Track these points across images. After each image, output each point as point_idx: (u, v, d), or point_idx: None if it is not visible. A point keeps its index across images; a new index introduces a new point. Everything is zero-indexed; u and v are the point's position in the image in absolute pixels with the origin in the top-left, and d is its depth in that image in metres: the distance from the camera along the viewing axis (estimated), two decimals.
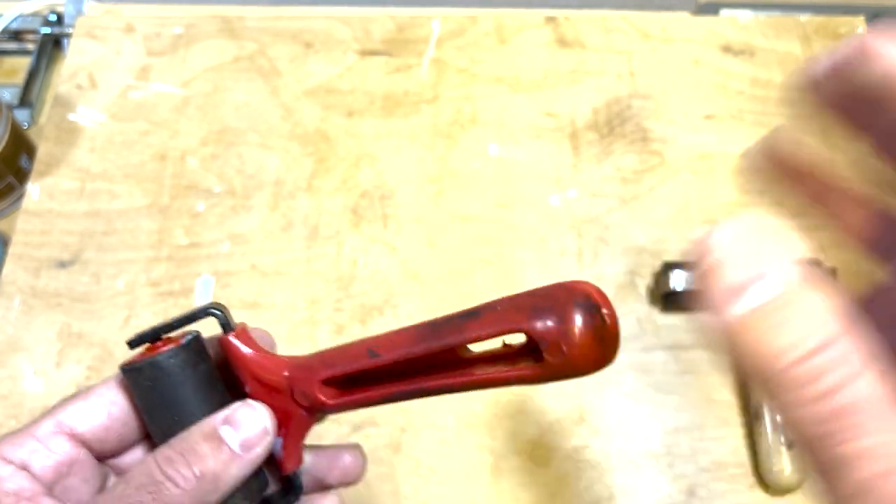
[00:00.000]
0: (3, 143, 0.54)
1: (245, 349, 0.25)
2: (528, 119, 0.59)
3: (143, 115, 0.58)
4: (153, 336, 0.25)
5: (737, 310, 0.14)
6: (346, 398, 0.25)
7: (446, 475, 0.46)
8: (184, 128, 0.58)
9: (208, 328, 0.27)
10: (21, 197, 0.56)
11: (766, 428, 0.45)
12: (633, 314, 0.51)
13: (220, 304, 0.26)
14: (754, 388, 0.47)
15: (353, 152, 0.57)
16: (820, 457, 0.13)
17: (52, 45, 0.65)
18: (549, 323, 0.19)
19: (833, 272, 0.50)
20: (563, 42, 0.63)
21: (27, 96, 0.63)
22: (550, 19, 0.64)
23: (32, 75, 0.63)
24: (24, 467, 0.22)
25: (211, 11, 0.66)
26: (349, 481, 0.28)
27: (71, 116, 0.58)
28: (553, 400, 0.48)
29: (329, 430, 0.47)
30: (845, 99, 0.16)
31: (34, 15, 0.66)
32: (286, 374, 0.25)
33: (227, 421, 0.22)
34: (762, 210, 0.16)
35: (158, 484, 0.20)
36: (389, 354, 0.23)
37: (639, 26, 0.63)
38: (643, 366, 0.50)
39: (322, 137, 0.58)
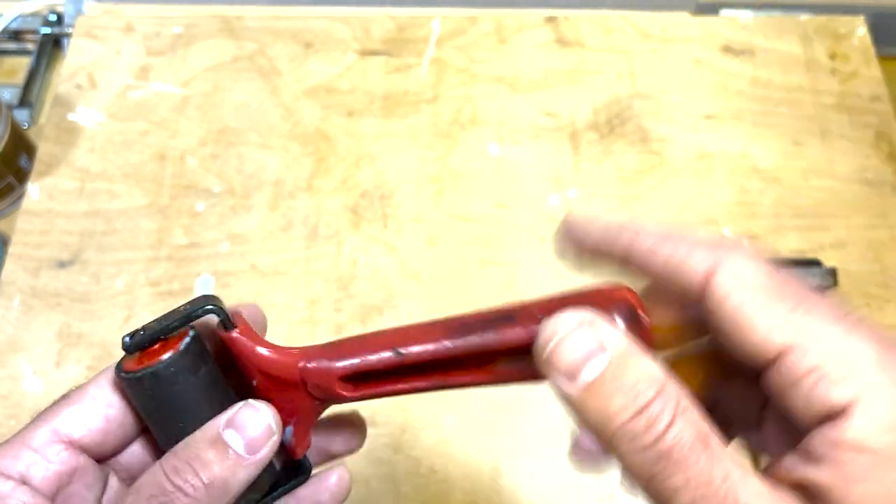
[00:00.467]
0: (3, 143, 0.54)
1: (253, 346, 0.24)
2: (528, 119, 0.59)
3: (142, 115, 0.58)
4: (150, 341, 0.23)
5: (576, 385, 0.18)
6: (365, 391, 0.24)
7: (446, 475, 0.46)
8: (183, 128, 0.58)
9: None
10: (21, 197, 0.56)
11: None
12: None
13: (215, 299, 0.24)
14: None
15: (352, 152, 0.57)
16: (653, 493, 0.17)
17: (51, 45, 0.65)
18: None
19: (833, 272, 0.50)
20: (563, 42, 0.63)
21: (27, 96, 0.63)
22: (550, 19, 0.64)
23: (32, 75, 0.63)
24: (24, 481, 0.21)
25: (211, 11, 0.66)
26: (352, 449, 0.27)
27: (71, 116, 0.58)
28: (553, 399, 0.48)
29: None
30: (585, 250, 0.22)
31: (34, 15, 0.66)
32: (299, 366, 0.24)
33: (230, 424, 0.21)
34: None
35: (169, 494, 0.20)
36: (415, 355, 0.23)
37: (639, 26, 0.64)
38: None
39: (322, 137, 0.58)
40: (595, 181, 0.56)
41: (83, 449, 0.22)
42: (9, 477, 0.21)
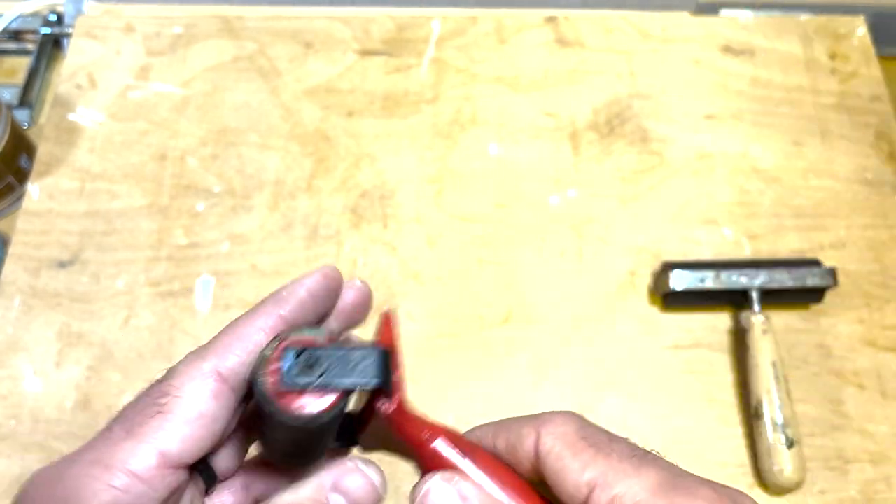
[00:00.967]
0: (3, 143, 0.54)
1: (406, 421, 0.24)
2: (528, 119, 0.59)
3: (142, 115, 0.58)
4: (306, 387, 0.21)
5: None
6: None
7: None
8: (183, 128, 0.58)
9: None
10: (21, 197, 0.56)
11: (765, 427, 0.45)
12: (633, 313, 0.52)
13: (386, 371, 0.22)
14: (754, 388, 0.47)
15: (353, 152, 0.57)
16: None
17: (51, 45, 0.65)
18: None
19: (832, 272, 0.50)
20: (563, 42, 0.63)
21: (27, 96, 0.63)
22: (550, 19, 0.64)
23: (32, 75, 0.63)
24: None
25: (211, 11, 0.66)
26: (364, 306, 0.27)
27: (71, 116, 0.58)
28: (553, 400, 0.48)
29: None
30: None
31: (34, 15, 0.66)
32: (426, 438, 0.24)
33: (335, 488, 0.22)
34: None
35: None
36: None
37: (639, 26, 0.64)
38: (643, 365, 0.50)
39: (322, 137, 0.58)
40: (595, 181, 0.56)
41: (187, 467, 0.21)
42: None
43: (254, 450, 0.26)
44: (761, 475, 0.46)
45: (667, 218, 0.55)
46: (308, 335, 0.22)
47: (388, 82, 0.60)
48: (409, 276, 0.52)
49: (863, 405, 0.49)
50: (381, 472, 0.23)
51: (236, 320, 0.24)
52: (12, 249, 0.53)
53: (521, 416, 0.23)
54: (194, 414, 0.21)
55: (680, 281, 0.49)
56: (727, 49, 0.63)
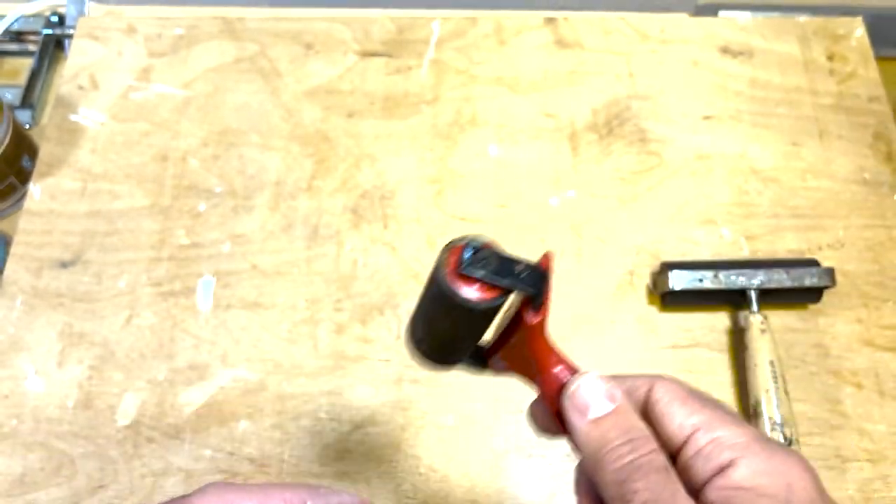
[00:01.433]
0: (5, 144, 0.54)
1: (543, 339, 0.28)
2: (527, 120, 0.59)
3: (144, 116, 0.58)
4: (483, 280, 0.26)
5: (586, 419, 0.25)
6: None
7: (446, 474, 0.46)
8: (185, 128, 0.58)
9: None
10: (23, 197, 0.56)
11: (764, 426, 0.46)
12: (632, 313, 0.52)
13: (543, 279, 0.27)
14: (752, 387, 0.47)
15: (353, 153, 0.57)
16: (617, 494, 0.23)
17: (53, 46, 0.66)
18: None
19: (830, 272, 0.50)
20: (562, 43, 0.63)
21: (29, 97, 0.63)
22: (550, 20, 0.64)
23: (34, 76, 0.64)
24: None
25: (212, 12, 0.66)
26: None
27: (72, 117, 0.58)
28: None
29: (329, 429, 0.47)
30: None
31: (36, 16, 0.67)
32: (555, 373, 0.28)
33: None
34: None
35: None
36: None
37: (638, 27, 0.64)
38: (642, 365, 0.50)
39: (322, 138, 0.58)
40: (594, 182, 0.57)
41: None
42: None
43: None
44: None
45: (665, 218, 0.55)
46: (486, 240, 0.26)
47: (389, 83, 0.60)
48: (409, 276, 0.53)
49: (860, 404, 0.49)
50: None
51: (270, 484, 0.29)
52: (14, 249, 0.53)
53: (639, 375, 0.27)
54: None
55: (678, 281, 0.50)
56: (726, 50, 0.63)
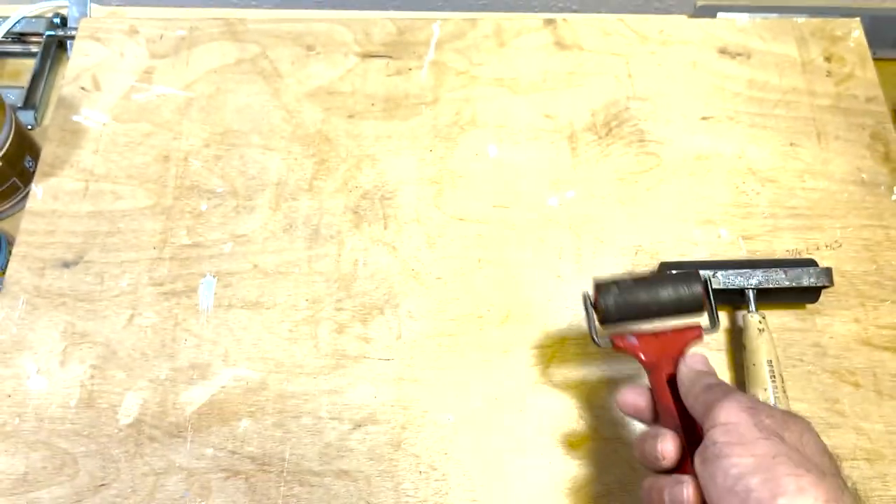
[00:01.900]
0: (8, 145, 0.55)
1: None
2: (526, 121, 0.59)
3: (146, 117, 0.59)
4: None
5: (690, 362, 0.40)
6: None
7: (446, 473, 0.47)
8: (186, 129, 0.58)
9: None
10: (25, 197, 0.57)
11: None
12: None
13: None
14: (750, 386, 0.48)
15: (353, 153, 0.58)
16: (699, 405, 0.37)
17: (56, 47, 0.66)
18: None
19: (828, 272, 0.51)
20: (561, 45, 0.63)
21: (31, 98, 0.63)
22: (549, 22, 0.64)
23: (36, 77, 0.64)
24: None
25: (213, 14, 0.67)
26: None
27: (75, 118, 0.59)
28: (552, 399, 0.49)
29: (330, 428, 0.47)
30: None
31: (38, 17, 0.67)
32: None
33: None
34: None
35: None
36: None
37: (637, 29, 0.64)
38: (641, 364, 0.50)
39: (323, 139, 0.58)
40: (593, 182, 0.57)
41: None
42: None
43: None
44: None
45: (664, 218, 0.56)
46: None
47: (389, 84, 0.61)
48: (409, 276, 0.53)
49: (858, 403, 0.49)
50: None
51: None
52: (16, 250, 0.53)
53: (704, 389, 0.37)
54: None
55: None
56: (724, 51, 0.63)
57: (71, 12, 0.66)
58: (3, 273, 0.54)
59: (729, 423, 0.33)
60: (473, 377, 0.50)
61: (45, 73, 0.65)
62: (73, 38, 0.64)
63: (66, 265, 0.53)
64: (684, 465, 0.36)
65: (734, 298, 0.51)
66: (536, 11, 0.71)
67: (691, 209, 0.56)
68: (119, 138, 0.58)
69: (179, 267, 0.53)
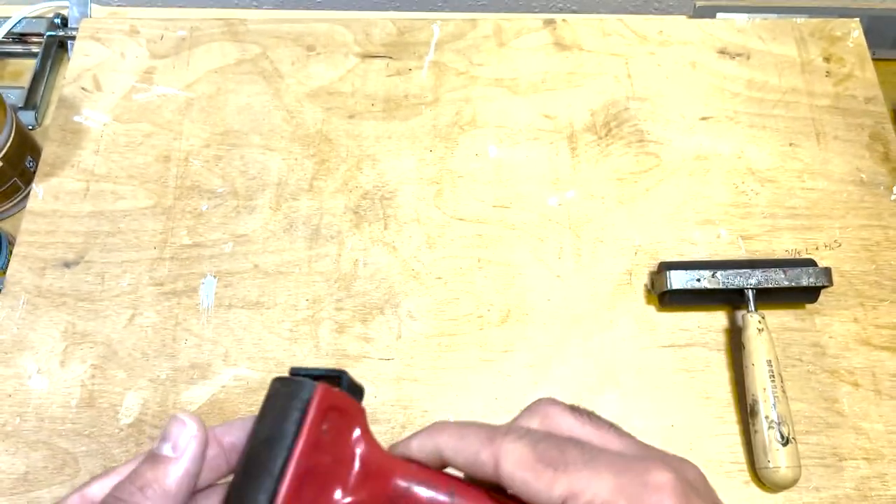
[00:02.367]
0: (9, 145, 0.55)
1: (371, 442, 0.26)
2: (526, 121, 0.60)
3: (146, 117, 0.59)
4: (313, 374, 0.26)
5: None
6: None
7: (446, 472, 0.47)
8: (187, 129, 0.59)
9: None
10: (26, 197, 0.57)
11: (761, 425, 0.46)
12: (630, 313, 0.52)
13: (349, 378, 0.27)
14: (750, 386, 0.48)
15: (354, 154, 0.58)
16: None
17: (56, 48, 0.66)
18: None
19: (827, 272, 0.51)
20: (561, 45, 0.63)
21: (32, 98, 0.63)
22: (549, 22, 0.65)
23: (37, 77, 0.64)
24: None
25: (214, 14, 0.67)
26: None
27: (75, 118, 0.59)
28: None
29: None
30: None
31: (39, 18, 0.67)
32: (395, 483, 0.26)
33: (162, 438, 0.26)
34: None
35: None
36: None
37: (636, 29, 0.64)
38: (640, 364, 0.50)
39: (323, 139, 0.58)
40: (593, 182, 0.57)
41: None
42: None
43: None
44: (757, 472, 0.46)
45: (663, 218, 0.56)
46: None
47: (389, 85, 0.61)
48: (409, 276, 0.53)
49: (857, 403, 0.49)
50: (201, 424, 0.26)
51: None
52: (17, 249, 0.53)
53: (475, 432, 0.26)
54: (116, 473, 0.26)
55: (676, 281, 0.50)
56: (723, 52, 0.63)
57: (72, 13, 0.66)
58: (4, 273, 0.54)
59: None
60: (473, 377, 0.50)
61: (46, 74, 0.65)
62: (73, 38, 0.64)
63: (67, 265, 0.53)
64: None
65: (733, 298, 0.51)
66: (536, 12, 0.71)
67: (691, 209, 0.56)
68: (120, 138, 0.58)
69: (180, 267, 0.53)
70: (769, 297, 0.51)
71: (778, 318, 0.52)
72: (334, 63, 0.62)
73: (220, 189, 0.56)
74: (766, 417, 0.46)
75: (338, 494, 0.25)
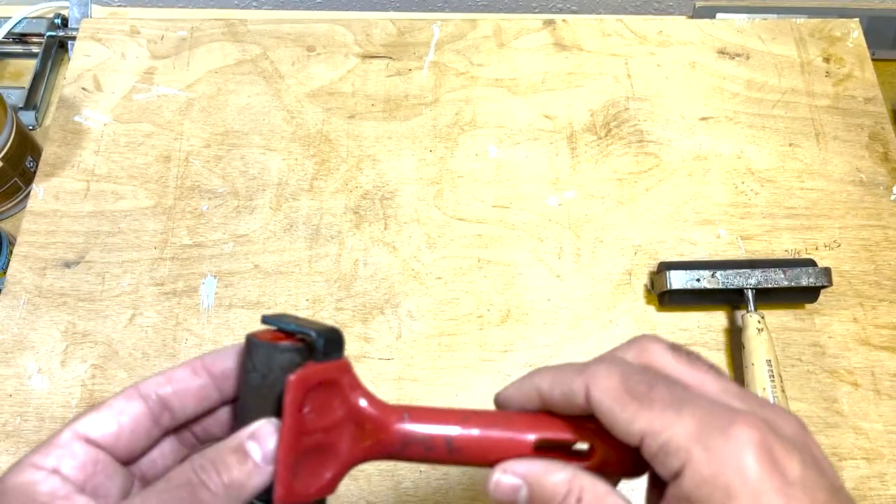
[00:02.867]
0: (9, 145, 0.55)
1: (358, 388, 0.26)
2: (526, 121, 0.60)
3: (147, 117, 0.59)
4: (285, 329, 0.26)
5: None
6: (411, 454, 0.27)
7: (446, 471, 0.47)
8: (187, 130, 0.59)
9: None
10: (26, 198, 0.57)
11: None
12: (630, 313, 0.52)
13: (340, 340, 0.26)
14: (749, 386, 0.48)
15: (354, 154, 0.58)
16: None
17: (57, 48, 0.66)
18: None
19: (827, 272, 0.51)
20: (561, 45, 0.64)
21: (32, 98, 0.63)
22: (548, 23, 0.65)
23: (38, 78, 0.64)
24: (54, 472, 0.24)
25: (214, 15, 0.67)
26: None
27: (76, 118, 0.59)
28: None
29: None
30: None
31: (39, 18, 0.67)
32: (395, 427, 0.26)
33: (252, 437, 0.24)
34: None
35: (195, 486, 0.23)
36: (466, 456, 0.26)
37: (636, 30, 0.64)
38: None
39: (324, 139, 0.59)
40: (592, 182, 0.57)
41: (100, 446, 0.25)
42: (41, 468, 0.24)
43: None
44: None
45: (663, 219, 0.56)
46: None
47: (389, 85, 0.61)
48: (409, 276, 0.53)
49: (857, 403, 0.50)
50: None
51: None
52: (18, 249, 0.53)
53: (571, 366, 0.26)
54: (107, 407, 0.26)
55: (676, 281, 0.50)
56: (723, 52, 0.63)
57: (72, 13, 0.67)
58: (5, 273, 0.54)
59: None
60: (473, 377, 0.50)
61: (46, 74, 0.65)
62: (74, 38, 0.64)
63: (68, 265, 0.53)
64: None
65: (733, 298, 0.51)
66: (536, 12, 0.71)
67: (690, 209, 0.56)
68: (120, 139, 0.58)
69: (180, 267, 0.53)
70: (769, 297, 0.51)
71: (777, 318, 0.52)
72: (334, 63, 0.62)
73: (221, 189, 0.56)
74: None
75: (342, 455, 0.25)
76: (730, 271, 0.51)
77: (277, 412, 0.25)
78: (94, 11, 0.67)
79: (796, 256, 0.54)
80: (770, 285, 0.50)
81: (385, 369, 0.50)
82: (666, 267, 0.51)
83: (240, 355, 0.27)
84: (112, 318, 0.51)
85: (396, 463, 0.47)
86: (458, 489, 0.46)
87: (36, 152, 0.58)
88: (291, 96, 0.60)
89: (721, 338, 0.52)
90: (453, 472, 0.47)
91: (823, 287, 0.51)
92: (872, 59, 0.64)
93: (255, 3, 0.70)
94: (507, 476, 0.25)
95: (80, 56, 0.62)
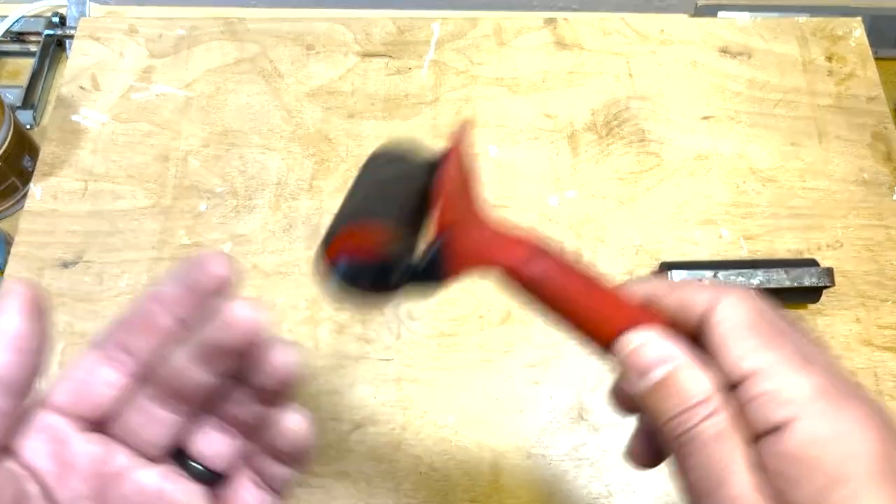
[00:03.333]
0: (7, 144, 0.55)
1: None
2: (527, 120, 0.59)
3: (145, 117, 0.59)
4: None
5: (643, 384, 0.24)
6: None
7: (447, 473, 0.46)
8: (186, 129, 0.58)
9: None
10: (24, 197, 0.57)
11: None
12: None
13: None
14: None
15: (353, 153, 0.58)
16: (678, 464, 0.23)
17: (54, 47, 0.66)
18: None
19: (829, 272, 0.51)
20: (561, 44, 0.63)
21: (30, 97, 0.63)
22: (549, 21, 0.64)
23: (35, 77, 0.64)
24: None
25: (213, 13, 0.67)
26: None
27: (74, 117, 0.59)
28: (552, 398, 0.49)
29: (329, 429, 0.47)
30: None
31: (37, 17, 0.67)
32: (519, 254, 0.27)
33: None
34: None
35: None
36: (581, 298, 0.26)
37: (637, 28, 0.64)
38: None
39: (323, 139, 0.58)
40: (593, 182, 0.57)
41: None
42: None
43: None
44: None
45: (665, 218, 0.56)
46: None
47: (389, 84, 0.61)
48: None
49: None
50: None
51: None
52: (15, 249, 0.53)
53: (699, 282, 0.25)
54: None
55: (678, 280, 0.50)
56: (725, 51, 0.63)
57: (70, 12, 0.66)
58: (3, 273, 0.54)
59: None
60: (473, 377, 0.50)
61: (44, 73, 0.65)
62: (71, 37, 0.64)
63: (66, 265, 0.53)
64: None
65: None
66: (537, 10, 0.71)
67: (692, 209, 0.56)
68: (118, 138, 0.58)
69: None
70: (771, 297, 0.50)
71: None
72: (334, 62, 0.62)
73: (219, 189, 0.56)
74: None
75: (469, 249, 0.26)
76: (732, 271, 0.50)
77: (416, 204, 0.26)
78: (92, 10, 0.67)
79: (798, 256, 0.54)
80: (772, 285, 0.50)
81: (385, 370, 0.49)
82: (668, 267, 0.51)
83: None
84: (110, 319, 0.51)
85: (396, 464, 0.47)
86: (459, 492, 0.46)
87: (34, 152, 0.58)
88: (291, 95, 0.60)
89: None
90: (454, 473, 0.47)
91: (826, 287, 0.50)
92: (875, 58, 0.63)
93: (253, 2, 0.69)
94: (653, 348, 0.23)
95: (78, 55, 0.62)
